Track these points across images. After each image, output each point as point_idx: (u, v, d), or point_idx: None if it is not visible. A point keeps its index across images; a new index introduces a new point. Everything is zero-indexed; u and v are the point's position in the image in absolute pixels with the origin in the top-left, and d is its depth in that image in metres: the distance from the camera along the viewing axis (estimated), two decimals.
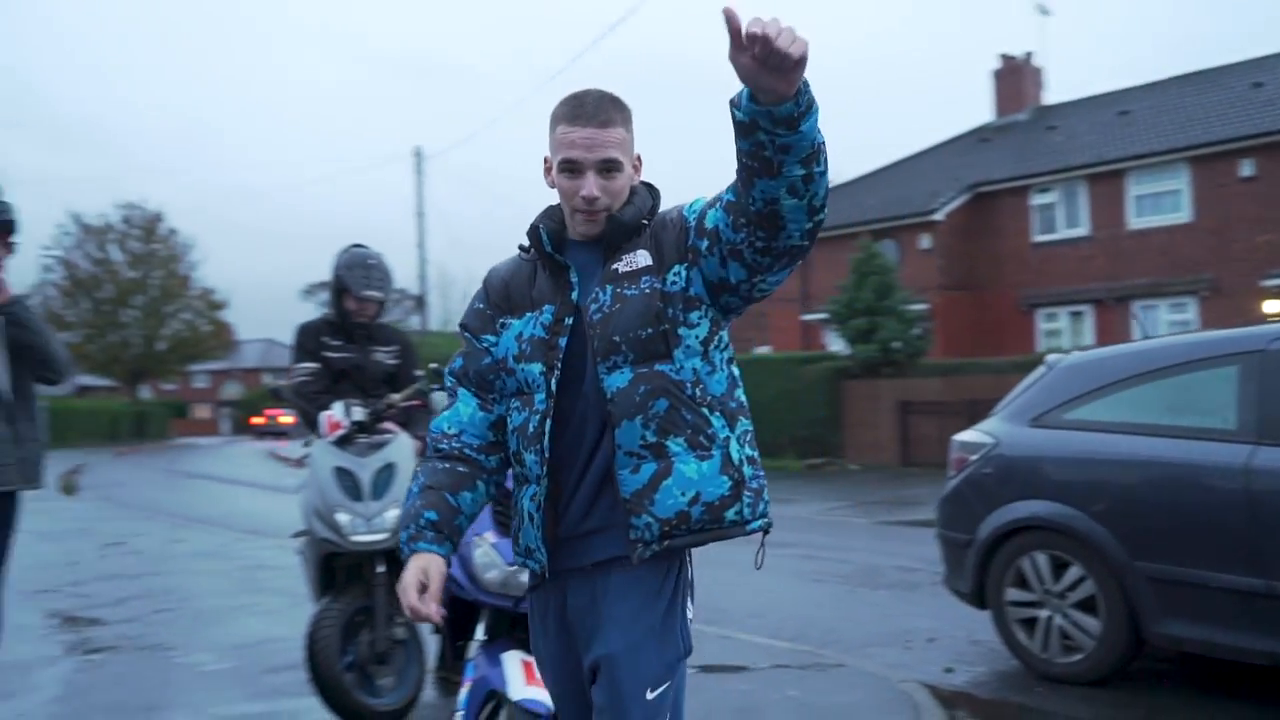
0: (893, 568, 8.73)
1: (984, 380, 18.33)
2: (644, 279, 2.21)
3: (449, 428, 2.40)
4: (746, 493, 2.21)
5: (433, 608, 2.22)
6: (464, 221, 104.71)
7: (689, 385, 2.19)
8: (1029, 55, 29.21)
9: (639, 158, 2.31)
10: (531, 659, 3.37)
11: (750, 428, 2.31)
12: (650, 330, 2.17)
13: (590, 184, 2.20)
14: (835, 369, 19.94)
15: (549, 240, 2.29)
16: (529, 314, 2.31)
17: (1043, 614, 5.38)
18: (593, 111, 2.20)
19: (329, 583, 4.71)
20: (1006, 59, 29.28)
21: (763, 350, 31.77)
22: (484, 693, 3.32)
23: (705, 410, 2.20)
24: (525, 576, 3.41)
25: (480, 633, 3.49)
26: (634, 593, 2.21)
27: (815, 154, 1.93)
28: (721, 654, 5.77)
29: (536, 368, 2.26)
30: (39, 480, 4.26)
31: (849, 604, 7.44)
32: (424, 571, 2.25)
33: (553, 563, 2.28)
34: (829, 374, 19.84)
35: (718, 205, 2.13)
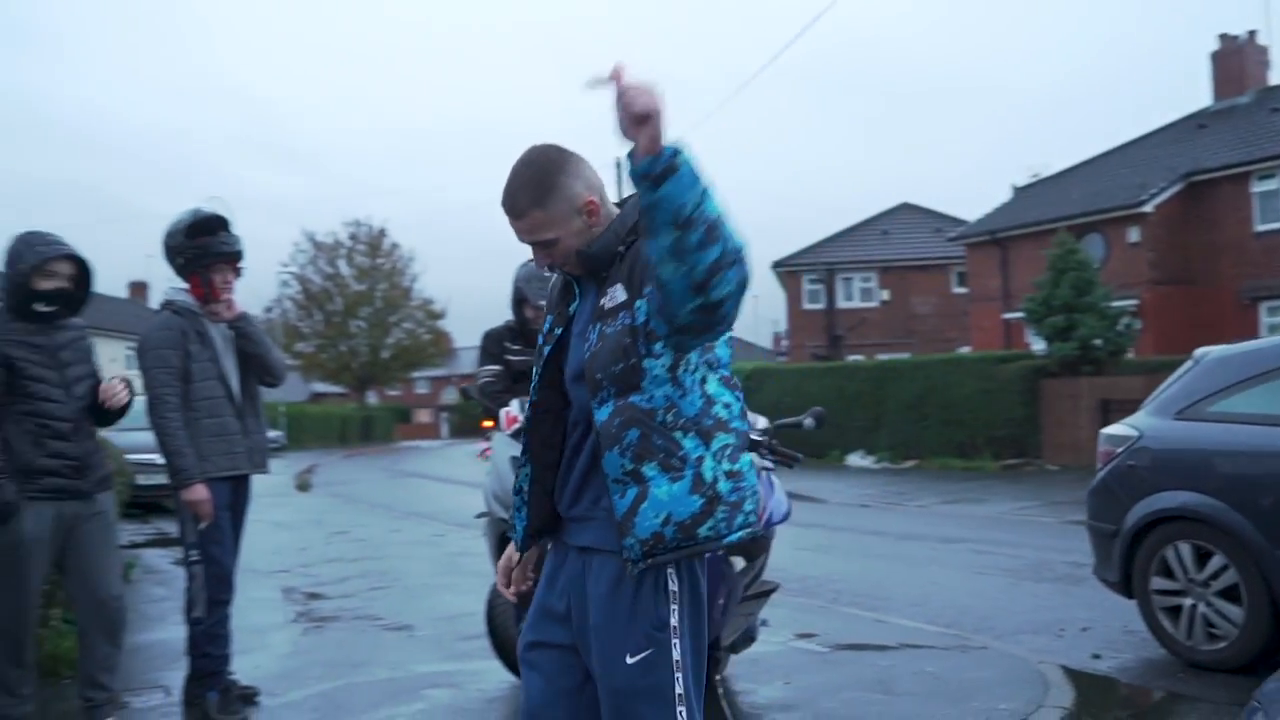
0: (1063, 562, 8.78)
1: None
2: (620, 315, 2.32)
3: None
4: (721, 508, 2.29)
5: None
6: None
7: (660, 412, 2.29)
8: (1252, 34, 27.68)
9: (591, 202, 2.37)
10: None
11: (732, 441, 2.35)
12: (622, 365, 2.29)
13: (538, 259, 2.45)
14: (1033, 368, 19.58)
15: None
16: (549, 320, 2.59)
17: (1186, 602, 5.49)
18: (509, 206, 2.38)
19: None
20: (1226, 39, 27.82)
21: (967, 350, 31.26)
22: None
23: (678, 433, 2.29)
24: None
25: None
26: (609, 572, 2.37)
27: (688, 222, 2.00)
28: (870, 635, 6.12)
29: (535, 368, 2.58)
30: (265, 466, 5.08)
31: (1010, 595, 7.61)
32: (512, 567, 2.70)
33: (533, 540, 2.60)
34: (1026, 373, 19.50)
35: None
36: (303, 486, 21.94)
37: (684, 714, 2.35)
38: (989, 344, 27.16)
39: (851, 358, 35.99)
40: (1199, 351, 5.96)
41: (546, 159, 2.38)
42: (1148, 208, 23.79)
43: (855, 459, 21.95)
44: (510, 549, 2.68)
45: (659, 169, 1.98)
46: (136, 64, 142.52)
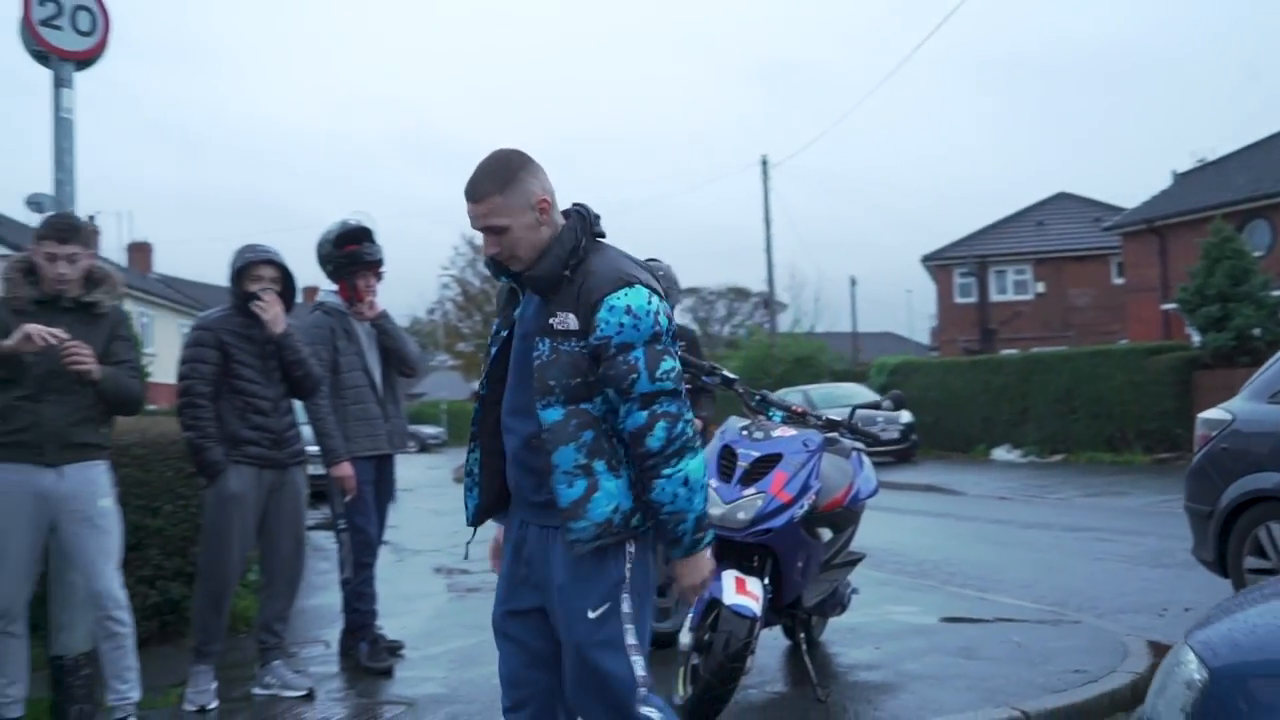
0: (1182, 550, 8.74)
1: None
2: (574, 340, 2.66)
3: None
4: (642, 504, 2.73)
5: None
6: (814, 220, 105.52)
7: (604, 421, 2.69)
8: None
9: (543, 200, 2.72)
10: (744, 576, 4.36)
11: None
12: (580, 380, 2.66)
13: (487, 246, 2.77)
14: (1185, 359, 19.07)
15: (495, 270, 2.84)
16: (497, 320, 2.95)
17: None
18: (470, 191, 2.71)
19: None
20: None
21: (1124, 342, 30.39)
22: (706, 601, 4.32)
23: (616, 441, 2.70)
24: (741, 514, 4.40)
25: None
26: (575, 559, 2.71)
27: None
28: (969, 610, 6.41)
29: (484, 365, 2.94)
30: (404, 446, 5.76)
31: (1122, 579, 7.74)
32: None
33: (480, 517, 2.95)
34: (1178, 365, 19.00)
35: (626, 387, 2.62)
36: (459, 480, 23.08)
37: (636, 662, 2.72)
38: (1147, 335, 26.39)
39: (1005, 352, 35.38)
40: None
41: (510, 156, 2.75)
42: None
43: (1001, 453, 21.74)
44: (499, 533, 3.00)
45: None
46: (294, 75, 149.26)
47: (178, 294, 41.33)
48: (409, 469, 27.05)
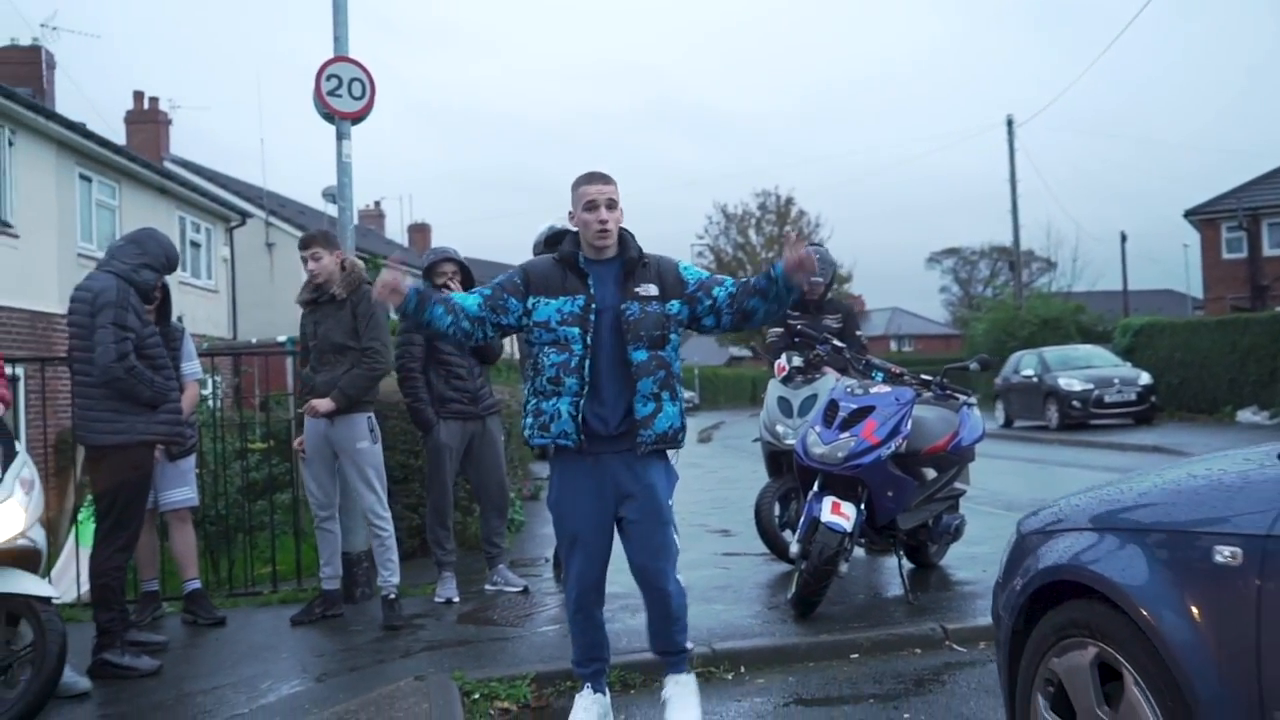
0: None
1: None
2: (654, 303, 3.99)
3: (459, 301, 4.05)
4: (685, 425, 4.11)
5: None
6: (1075, 175, 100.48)
7: (669, 364, 4.00)
8: None
9: (620, 211, 4.05)
10: (839, 501, 5.58)
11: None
12: (659, 332, 3.97)
13: (602, 218, 3.97)
14: None
15: (576, 258, 4.05)
16: (565, 297, 3.97)
17: None
18: (603, 175, 4.05)
19: (774, 469, 7.17)
20: None
21: None
22: (810, 520, 5.57)
23: (674, 379, 4.03)
24: (839, 453, 5.62)
25: (816, 486, 5.73)
26: (653, 462, 4.03)
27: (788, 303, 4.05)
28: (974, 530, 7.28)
29: (575, 330, 3.93)
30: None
31: None
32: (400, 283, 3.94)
33: (591, 445, 3.96)
34: None
35: (723, 287, 4.02)
36: (704, 439, 24.76)
37: (673, 530, 4.10)
38: None
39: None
40: None
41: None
42: None
43: (1247, 415, 21.19)
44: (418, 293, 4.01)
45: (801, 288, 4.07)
46: (549, 52, 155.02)
47: None
48: None
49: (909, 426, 5.76)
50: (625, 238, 4.10)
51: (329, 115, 6.65)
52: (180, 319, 6.69)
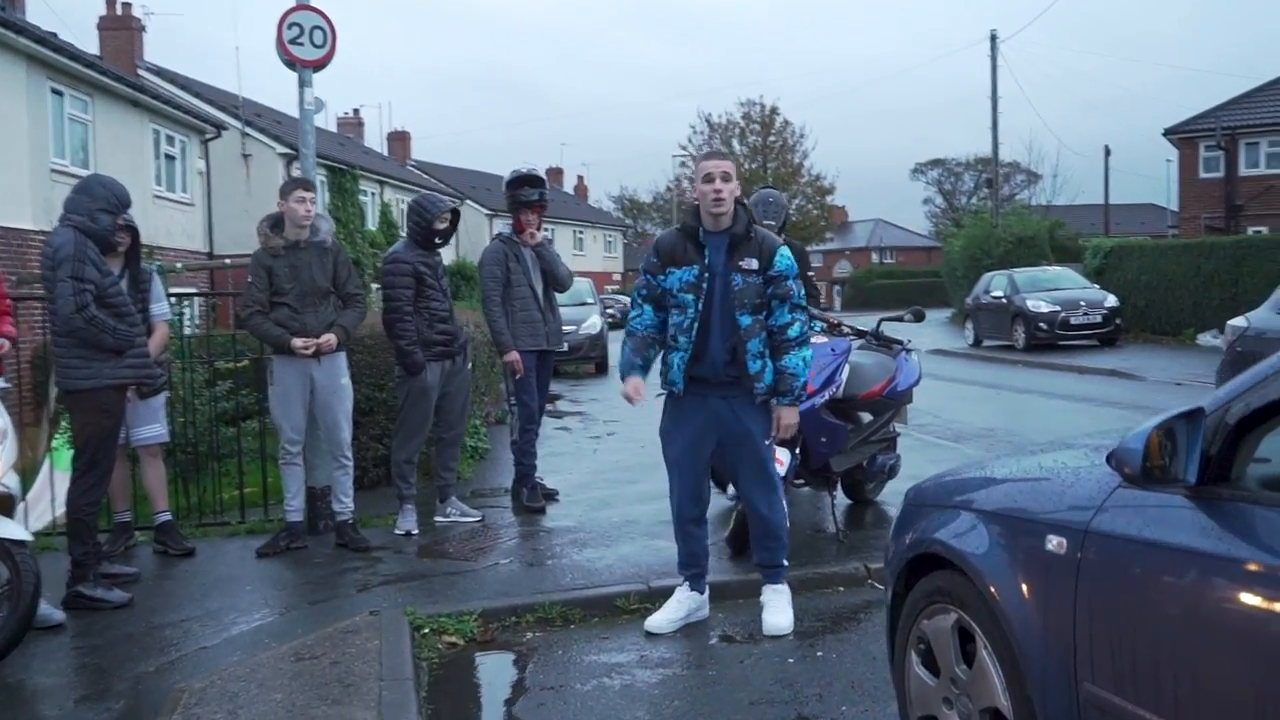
0: None
1: None
2: (754, 275, 4.68)
3: (640, 328, 4.89)
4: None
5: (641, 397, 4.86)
6: (1061, 89, 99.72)
7: (770, 328, 4.73)
8: None
9: (735, 184, 4.74)
10: (776, 447, 5.90)
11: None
12: (759, 299, 4.70)
13: (718, 190, 4.63)
14: None
15: (696, 231, 4.75)
16: (686, 267, 4.71)
17: None
18: (717, 153, 4.90)
19: None
20: None
21: None
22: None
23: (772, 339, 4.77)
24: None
25: None
26: (756, 409, 4.78)
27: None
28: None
29: (690, 297, 4.69)
30: (561, 344, 7.51)
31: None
32: (638, 386, 4.85)
33: (692, 388, 4.76)
34: None
35: (783, 309, 4.74)
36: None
37: (771, 463, 4.92)
38: None
39: (1253, 229, 33.82)
40: None
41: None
42: None
43: (1207, 338, 21.63)
44: (633, 381, 4.85)
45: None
46: None
47: (433, 179, 44.95)
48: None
49: (844, 375, 6.07)
50: (739, 211, 4.72)
51: (291, 63, 6.78)
52: (152, 258, 6.91)
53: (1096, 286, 23.33)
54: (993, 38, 34.80)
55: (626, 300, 46.34)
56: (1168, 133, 36.89)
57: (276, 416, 6.35)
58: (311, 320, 6.16)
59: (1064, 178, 73.12)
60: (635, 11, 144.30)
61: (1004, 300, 23.32)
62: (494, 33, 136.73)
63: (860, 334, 6.49)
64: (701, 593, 5.04)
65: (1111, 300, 22.27)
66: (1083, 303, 22.11)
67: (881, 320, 6.70)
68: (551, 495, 7.61)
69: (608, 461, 9.26)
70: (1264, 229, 33.20)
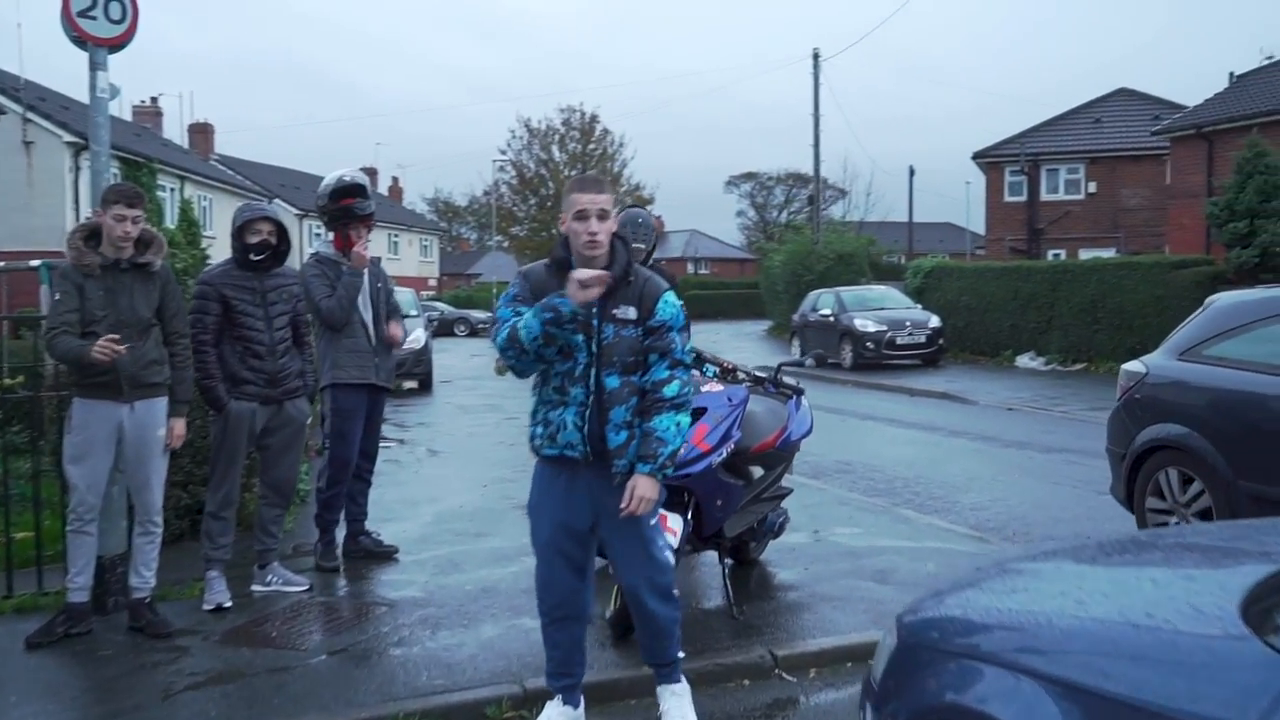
0: None
1: None
2: (631, 326, 3.81)
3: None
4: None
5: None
6: (872, 110, 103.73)
7: (642, 387, 3.83)
8: None
9: (613, 221, 3.85)
10: (666, 513, 5.12)
11: None
12: (633, 358, 3.81)
13: (592, 228, 3.75)
14: (1209, 275, 19.24)
15: (568, 264, 3.82)
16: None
17: (1172, 521, 6.28)
18: (596, 183, 3.82)
19: None
20: None
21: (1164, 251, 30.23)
22: None
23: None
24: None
25: None
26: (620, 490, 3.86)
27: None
28: (907, 535, 7.15)
29: (580, 337, 3.78)
30: (391, 382, 6.55)
31: (1065, 506, 8.42)
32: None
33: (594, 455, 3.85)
34: (1202, 280, 19.20)
35: (661, 364, 3.83)
36: (500, 371, 23.89)
37: (659, 547, 4.04)
38: (1189, 244, 26.34)
39: (1051, 253, 35.30)
40: (1210, 298, 6.58)
41: (603, 179, 3.92)
42: None
43: (1025, 360, 22.19)
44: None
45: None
46: None
47: (238, 176, 42.37)
48: (452, 356, 28.12)
49: (739, 430, 5.35)
50: (616, 249, 3.87)
51: (81, 41, 5.59)
52: None
53: (920, 307, 23.66)
54: (815, 56, 35.17)
55: (445, 307, 45.10)
56: (976, 156, 38.18)
57: (71, 474, 5.14)
58: (125, 360, 5.01)
59: (876, 196, 75.37)
60: (442, 10, 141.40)
61: (832, 318, 23.38)
62: (298, 25, 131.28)
63: (758, 380, 5.77)
64: (576, 707, 4.14)
65: (935, 321, 22.61)
66: (908, 323, 22.37)
67: (781, 365, 6.00)
68: (389, 553, 6.61)
69: (450, 507, 8.26)
70: (1062, 252, 34.76)
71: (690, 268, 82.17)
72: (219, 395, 5.56)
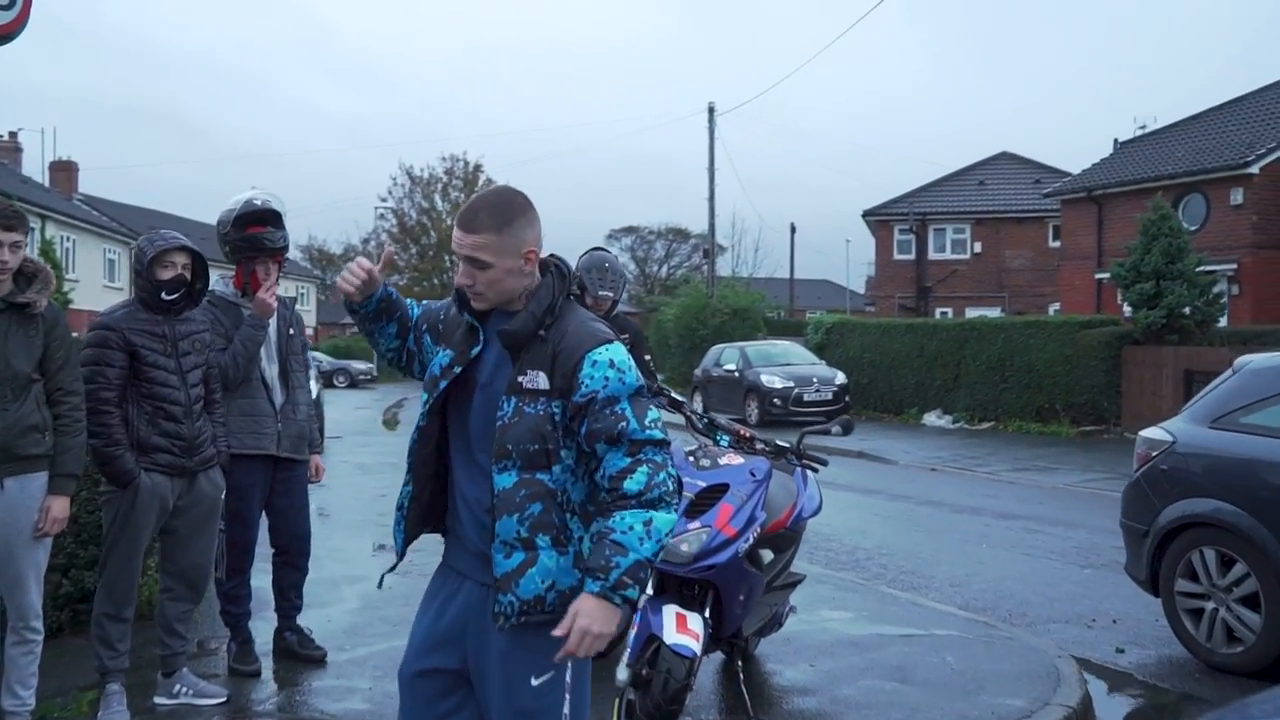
0: (1111, 546, 8.88)
1: None
2: (541, 400, 2.57)
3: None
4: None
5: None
6: (757, 166, 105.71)
7: (559, 493, 2.58)
8: None
9: (532, 251, 2.64)
10: (685, 612, 4.25)
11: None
12: (538, 446, 2.55)
13: (464, 275, 2.64)
14: (1117, 335, 19.33)
15: (459, 302, 2.75)
16: (448, 351, 2.76)
17: (1209, 606, 5.68)
18: (466, 221, 2.62)
19: None
20: None
21: (1056, 307, 30.79)
22: (646, 635, 4.21)
23: (568, 514, 2.60)
24: (684, 547, 4.28)
25: (649, 589, 4.38)
26: (527, 639, 2.59)
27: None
28: (904, 619, 6.40)
29: (425, 395, 2.75)
30: (303, 451, 5.43)
31: (1052, 580, 7.81)
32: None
33: (449, 557, 2.77)
34: (1110, 339, 19.28)
35: (619, 440, 2.54)
36: (390, 423, 22.72)
37: None
38: (1080, 304, 26.77)
39: (939, 311, 35.72)
40: (1239, 360, 6.06)
41: (514, 199, 2.68)
42: (1254, 169, 23.11)
43: (932, 418, 21.97)
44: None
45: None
46: None
47: (103, 216, 40.09)
48: (337, 409, 26.62)
49: (764, 510, 4.53)
50: (541, 293, 2.70)
51: None
52: None
53: (824, 363, 23.32)
54: (710, 110, 35.07)
55: (324, 358, 43.22)
56: (866, 214, 38.57)
57: None
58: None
59: (764, 253, 76.74)
60: (306, 54, 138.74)
61: (736, 374, 22.85)
62: (156, 65, 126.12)
63: (779, 452, 4.95)
64: None
65: (841, 378, 22.26)
66: (815, 379, 21.97)
67: (804, 433, 5.19)
68: (317, 657, 5.51)
69: (381, 591, 7.17)
70: (949, 311, 35.17)
71: None
72: (127, 467, 4.48)
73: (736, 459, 4.63)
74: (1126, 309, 21.71)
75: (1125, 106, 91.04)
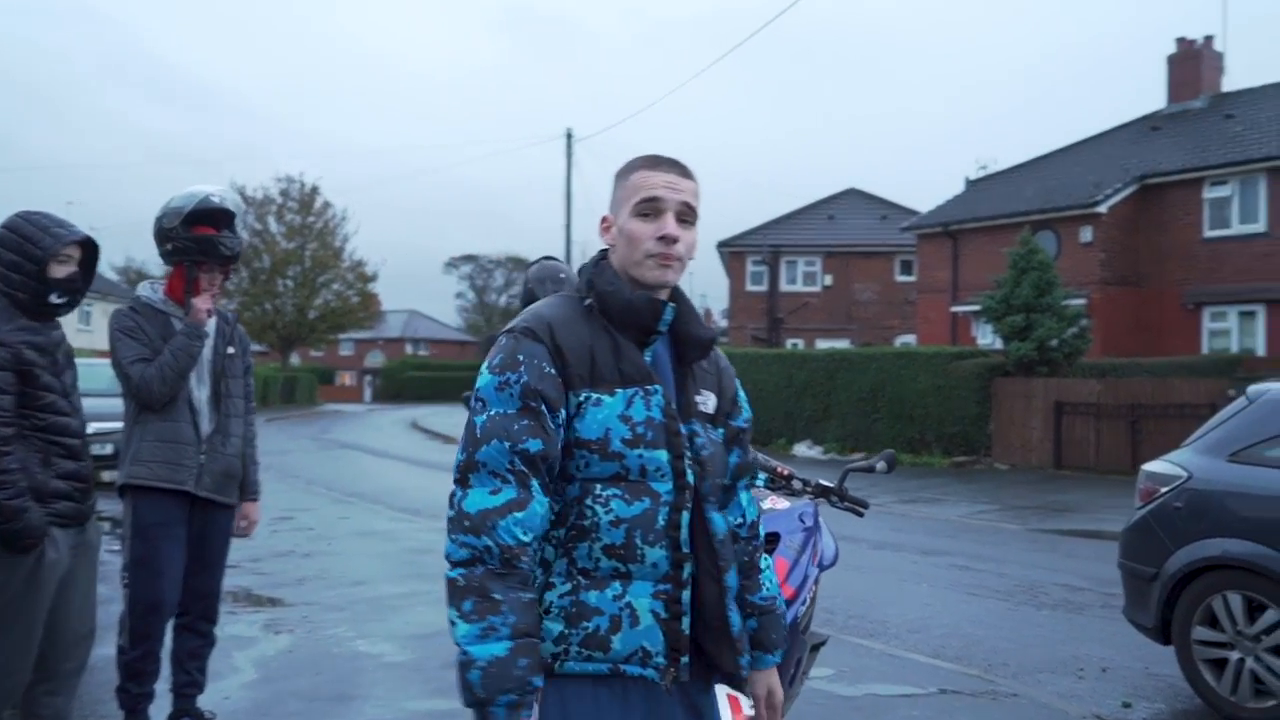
0: (1054, 584, 8.52)
1: (1144, 383, 17.67)
2: (718, 429, 2.18)
3: (524, 535, 1.93)
4: None
5: None
6: (599, 194, 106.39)
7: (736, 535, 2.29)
8: (1209, 39, 27.85)
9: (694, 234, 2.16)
10: (736, 694, 3.44)
11: None
12: (724, 480, 2.20)
13: (670, 233, 2.04)
14: (988, 366, 19.45)
15: (640, 310, 2.06)
16: (631, 390, 2.03)
17: (1234, 655, 5.19)
18: (682, 169, 2.11)
19: None
20: (1184, 43, 27.98)
21: (907, 339, 31.25)
22: None
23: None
24: None
25: None
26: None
27: None
28: (889, 674, 5.73)
29: (663, 454, 2.02)
30: (227, 493, 4.50)
31: (1011, 623, 7.29)
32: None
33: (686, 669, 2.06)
34: (981, 371, 19.37)
35: (741, 474, 2.28)
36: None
37: None
38: (935, 336, 27.12)
39: (790, 342, 35.90)
40: (1253, 390, 5.64)
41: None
42: (1102, 208, 23.81)
43: (802, 449, 21.71)
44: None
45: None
46: None
47: None
48: None
49: (816, 566, 3.78)
50: (678, 294, 2.16)
51: None
52: None
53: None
54: (569, 136, 34.45)
55: None
56: (721, 245, 38.53)
57: None
58: None
59: None
60: (116, 68, 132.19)
61: None
62: None
63: (822, 491, 4.20)
64: None
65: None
66: None
67: (847, 470, 4.45)
68: None
69: (273, 652, 6.08)
70: (800, 342, 35.40)
71: (409, 348, 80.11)
72: (35, 522, 3.36)
73: (781, 502, 3.87)
74: (984, 339, 21.98)
75: (968, 148, 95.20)
